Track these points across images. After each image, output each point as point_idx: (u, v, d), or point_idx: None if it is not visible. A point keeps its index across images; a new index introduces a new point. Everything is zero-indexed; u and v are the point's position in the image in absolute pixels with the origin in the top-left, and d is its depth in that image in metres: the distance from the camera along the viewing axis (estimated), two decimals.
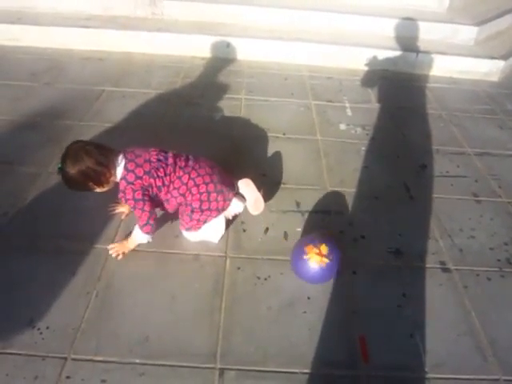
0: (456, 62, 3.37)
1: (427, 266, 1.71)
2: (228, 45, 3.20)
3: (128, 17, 3.37)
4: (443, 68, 3.36)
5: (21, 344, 1.31)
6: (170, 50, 3.21)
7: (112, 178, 1.49)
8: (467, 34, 3.56)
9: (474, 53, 3.45)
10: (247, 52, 3.26)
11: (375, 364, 1.35)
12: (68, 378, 1.24)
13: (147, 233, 1.54)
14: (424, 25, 3.53)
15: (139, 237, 1.57)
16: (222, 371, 1.29)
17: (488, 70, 3.40)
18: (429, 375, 1.34)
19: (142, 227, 1.52)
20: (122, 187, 1.49)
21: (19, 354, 1.29)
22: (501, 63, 3.39)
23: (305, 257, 1.50)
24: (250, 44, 3.25)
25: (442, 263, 1.73)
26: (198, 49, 3.22)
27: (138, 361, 1.29)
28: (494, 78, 3.43)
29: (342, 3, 3.61)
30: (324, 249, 1.49)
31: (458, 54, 3.40)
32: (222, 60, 3.23)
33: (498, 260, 1.77)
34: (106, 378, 1.25)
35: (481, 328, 1.49)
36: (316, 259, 1.48)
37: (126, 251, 1.61)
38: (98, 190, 1.51)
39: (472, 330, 1.48)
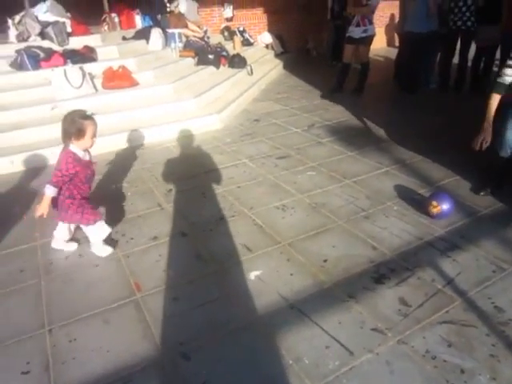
0: (187, 125, 4.90)
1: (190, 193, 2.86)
2: (12, 162, 4.06)
3: None
4: (181, 131, 4.84)
5: None
6: None
7: None
8: (190, 104, 5.22)
9: (197, 115, 5.07)
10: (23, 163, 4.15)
11: (146, 289, 2.37)
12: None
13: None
14: (160, 106, 5.08)
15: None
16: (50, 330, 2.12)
17: (211, 122, 5.04)
18: None
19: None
20: None
21: None
22: (216, 116, 5.08)
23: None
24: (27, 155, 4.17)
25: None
26: None
27: None
28: (219, 127, 5.08)
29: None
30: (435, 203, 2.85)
31: (187, 119, 4.97)
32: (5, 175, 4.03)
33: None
34: None
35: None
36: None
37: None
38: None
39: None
